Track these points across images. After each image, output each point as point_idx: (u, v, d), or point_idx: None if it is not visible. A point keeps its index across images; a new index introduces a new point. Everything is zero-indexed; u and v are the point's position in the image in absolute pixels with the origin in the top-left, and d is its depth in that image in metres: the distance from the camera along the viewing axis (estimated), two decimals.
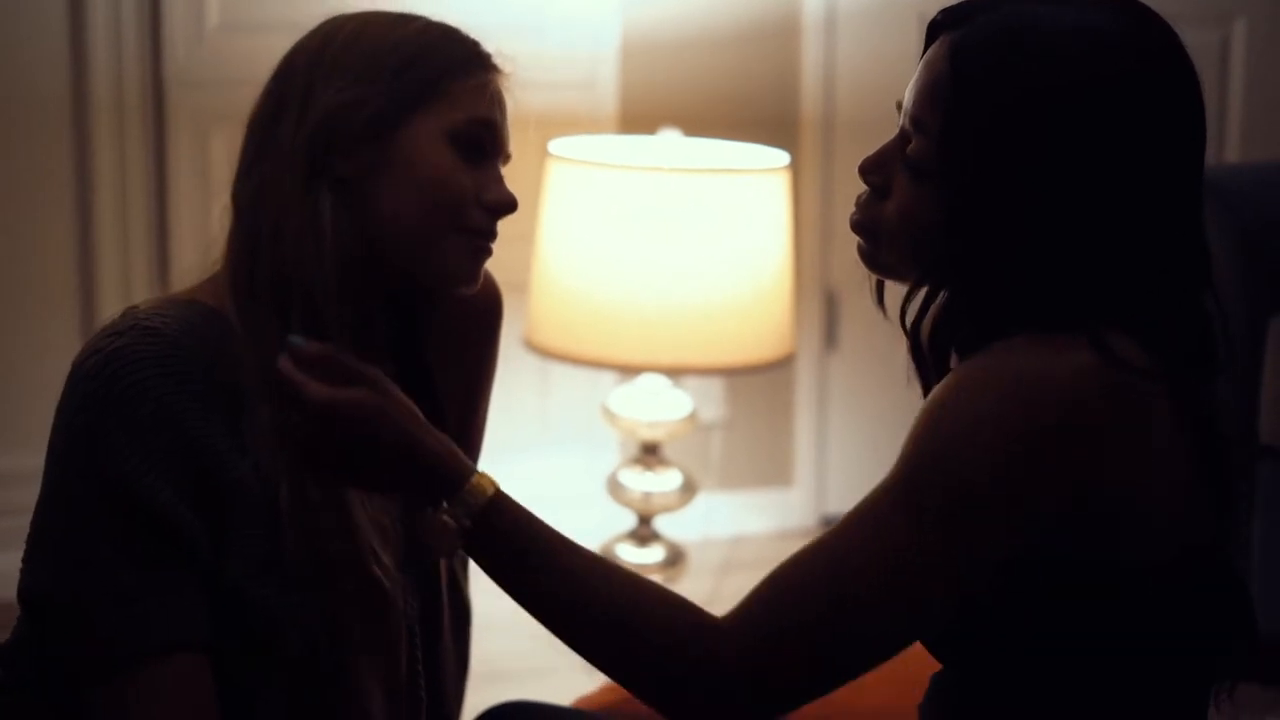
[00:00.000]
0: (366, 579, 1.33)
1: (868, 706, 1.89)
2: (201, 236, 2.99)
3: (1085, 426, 1.15)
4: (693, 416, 2.93)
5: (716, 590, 3.12)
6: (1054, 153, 1.18)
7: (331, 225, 1.31)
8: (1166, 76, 1.21)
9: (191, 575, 1.29)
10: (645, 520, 2.94)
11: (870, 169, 1.28)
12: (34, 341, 2.99)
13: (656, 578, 2.90)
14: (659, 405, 2.90)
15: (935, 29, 1.26)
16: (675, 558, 2.93)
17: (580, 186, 2.73)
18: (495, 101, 1.38)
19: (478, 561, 1.21)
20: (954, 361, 1.26)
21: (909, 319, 1.26)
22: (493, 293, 1.47)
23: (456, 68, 1.36)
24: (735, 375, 3.21)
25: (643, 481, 2.91)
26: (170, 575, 1.28)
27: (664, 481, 2.92)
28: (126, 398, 1.26)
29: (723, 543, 3.42)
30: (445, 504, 1.19)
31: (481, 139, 1.36)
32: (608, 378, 3.14)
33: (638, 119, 3.20)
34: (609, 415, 2.91)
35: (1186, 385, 1.20)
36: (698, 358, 2.72)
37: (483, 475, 1.20)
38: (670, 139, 2.96)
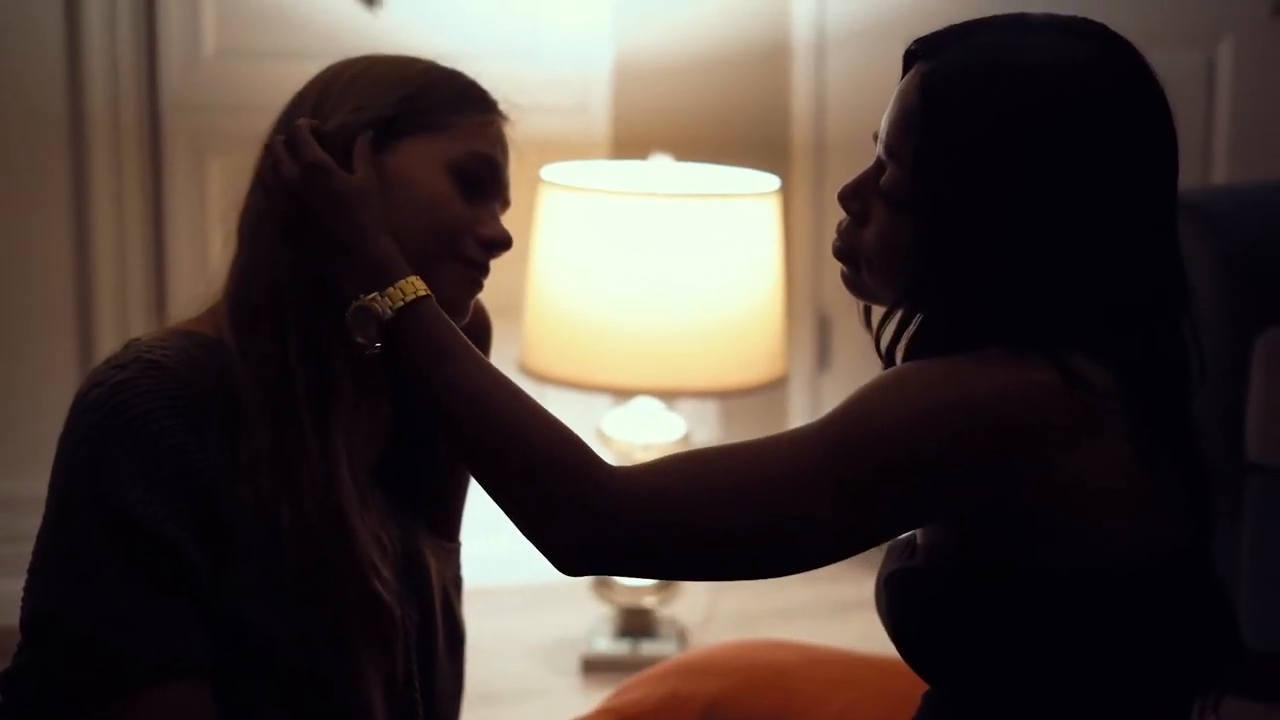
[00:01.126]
0: (367, 592, 1.35)
1: None
2: (199, 261, 2.98)
3: (1029, 432, 1.16)
4: (686, 439, 2.94)
5: (711, 610, 3.12)
6: (1024, 181, 1.19)
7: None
8: (1137, 103, 1.22)
9: (192, 601, 1.30)
10: None
11: (849, 196, 1.30)
12: (32, 366, 2.99)
13: (651, 599, 2.93)
14: (653, 428, 2.91)
15: (910, 58, 1.28)
16: (669, 580, 2.93)
17: (573, 211, 2.75)
18: (497, 142, 1.41)
19: (395, 355, 1.28)
20: None
21: (884, 343, 1.28)
22: (482, 319, 1.49)
23: (460, 104, 1.39)
24: (728, 398, 3.22)
25: None
26: (172, 602, 1.29)
27: None
28: (129, 430, 1.28)
29: None
30: (376, 295, 1.28)
31: (481, 175, 1.39)
32: (602, 401, 3.15)
33: (629, 144, 3.21)
34: (604, 438, 2.92)
35: (1154, 408, 1.22)
36: (691, 380, 2.73)
37: (416, 280, 1.30)
38: (662, 164, 2.97)
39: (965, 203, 1.20)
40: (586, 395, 3.03)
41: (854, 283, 1.31)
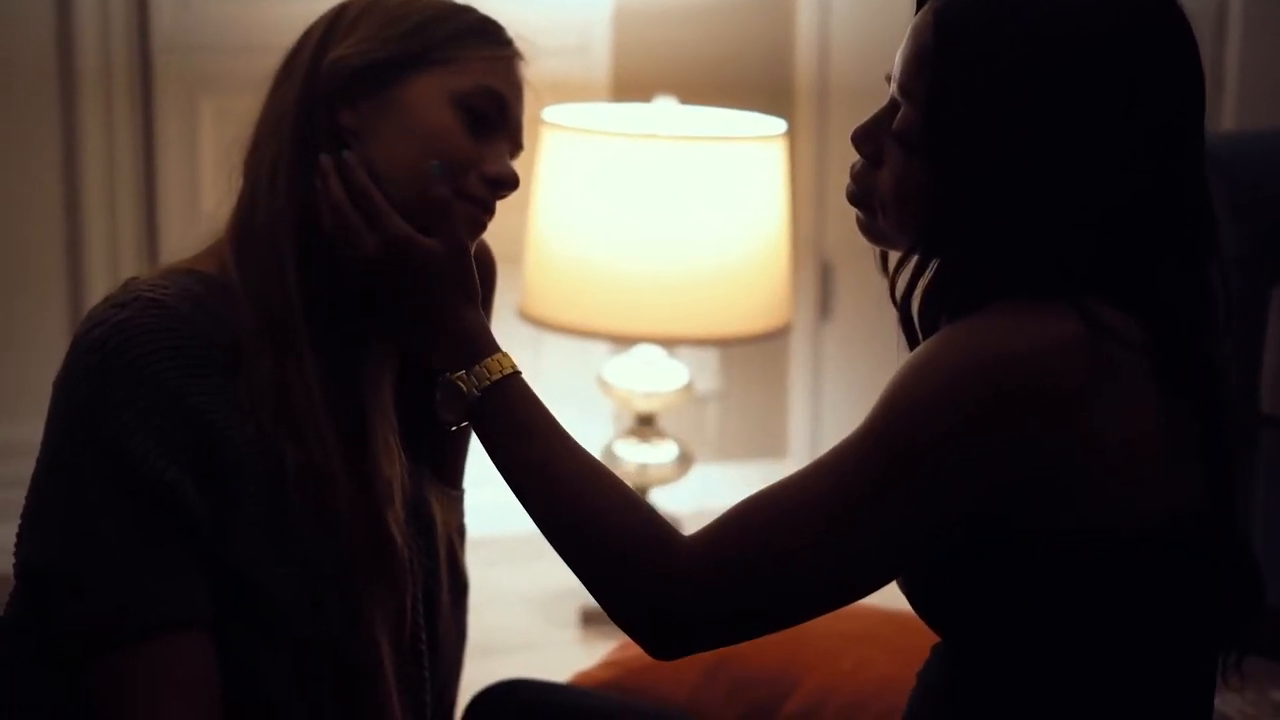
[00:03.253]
0: (380, 534, 1.33)
1: (869, 677, 1.88)
2: (190, 204, 2.96)
3: (1055, 394, 1.13)
4: (688, 387, 2.91)
5: None
6: (1041, 119, 1.16)
7: (331, 168, 1.32)
8: (1159, 35, 1.18)
9: (193, 552, 1.27)
10: (641, 492, 2.92)
11: (862, 138, 1.26)
12: (22, 310, 2.96)
13: None
14: (654, 376, 2.88)
15: None
16: None
17: (574, 154, 2.70)
18: (508, 79, 1.37)
19: (478, 432, 1.28)
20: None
21: (899, 290, 1.25)
22: (487, 263, 1.45)
23: (469, 36, 1.35)
24: (730, 346, 3.18)
25: (638, 453, 2.89)
26: (172, 552, 1.27)
27: (660, 453, 2.90)
28: (130, 371, 1.25)
29: (717, 514, 3.39)
30: (463, 373, 1.27)
31: (488, 110, 1.35)
32: (601, 348, 3.11)
33: (632, 86, 3.16)
34: (604, 386, 2.89)
35: (1179, 354, 1.19)
36: (692, 328, 2.69)
37: (504, 357, 1.28)
38: (665, 106, 2.92)
39: (981, 143, 1.17)
40: (586, 342, 2.99)
41: (869, 228, 1.28)
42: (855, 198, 1.28)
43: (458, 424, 1.29)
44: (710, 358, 3.36)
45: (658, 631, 1.20)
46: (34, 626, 1.30)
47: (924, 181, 1.21)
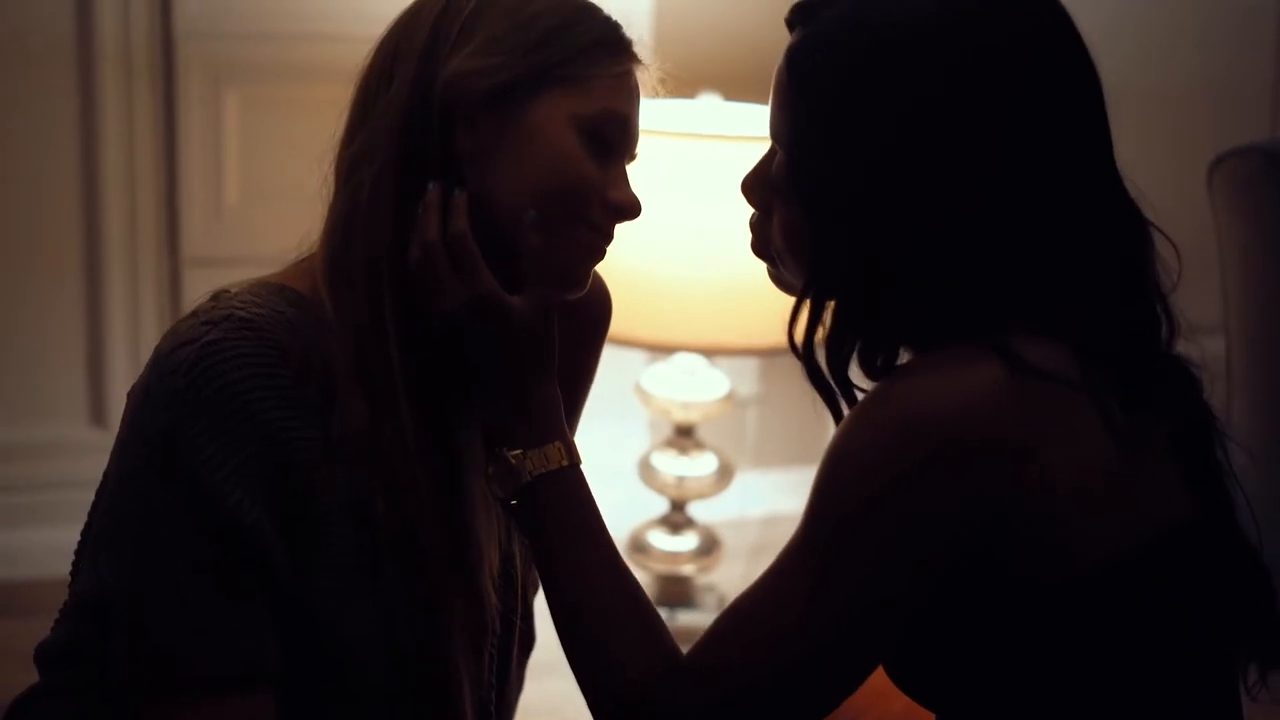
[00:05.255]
0: (471, 585, 1.26)
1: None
2: (213, 197, 2.92)
3: (995, 446, 1.08)
4: (729, 397, 2.80)
5: (749, 574, 2.99)
6: (891, 153, 1.11)
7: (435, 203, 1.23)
8: (1021, 56, 1.12)
9: (267, 601, 1.20)
10: (678, 506, 2.81)
11: (748, 189, 1.24)
12: (36, 306, 2.90)
13: (689, 567, 2.79)
14: (694, 385, 2.77)
15: (789, 27, 1.20)
16: (709, 546, 2.80)
17: None
18: (629, 96, 1.29)
19: (524, 515, 1.23)
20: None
21: (800, 342, 1.20)
22: (603, 298, 1.37)
23: (598, 52, 1.26)
24: (773, 356, 3.07)
25: (677, 465, 2.79)
26: (245, 599, 1.19)
27: (698, 466, 2.80)
28: (218, 400, 1.17)
29: (756, 522, 3.31)
30: (520, 451, 1.21)
31: (611, 135, 1.27)
32: (636, 356, 3.00)
33: (672, 82, 3.06)
34: (642, 395, 2.78)
35: (1139, 372, 1.13)
36: (733, 337, 2.58)
37: (567, 445, 1.23)
38: (709, 103, 2.82)
39: (838, 182, 1.13)
40: (620, 350, 2.88)
41: (776, 278, 1.25)
42: (756, 249, 1.25)
43: (505, 500, 1.22)
44: (750, 364, 3.27)
45: None
46: (87, 655, 1.23)
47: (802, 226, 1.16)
